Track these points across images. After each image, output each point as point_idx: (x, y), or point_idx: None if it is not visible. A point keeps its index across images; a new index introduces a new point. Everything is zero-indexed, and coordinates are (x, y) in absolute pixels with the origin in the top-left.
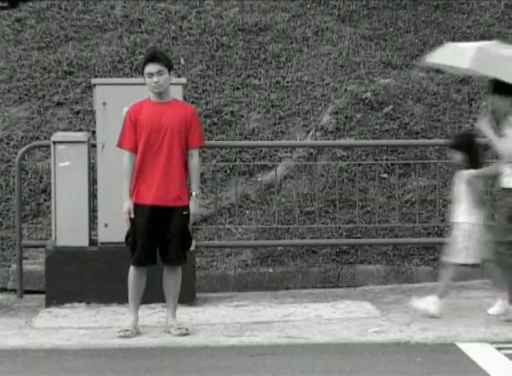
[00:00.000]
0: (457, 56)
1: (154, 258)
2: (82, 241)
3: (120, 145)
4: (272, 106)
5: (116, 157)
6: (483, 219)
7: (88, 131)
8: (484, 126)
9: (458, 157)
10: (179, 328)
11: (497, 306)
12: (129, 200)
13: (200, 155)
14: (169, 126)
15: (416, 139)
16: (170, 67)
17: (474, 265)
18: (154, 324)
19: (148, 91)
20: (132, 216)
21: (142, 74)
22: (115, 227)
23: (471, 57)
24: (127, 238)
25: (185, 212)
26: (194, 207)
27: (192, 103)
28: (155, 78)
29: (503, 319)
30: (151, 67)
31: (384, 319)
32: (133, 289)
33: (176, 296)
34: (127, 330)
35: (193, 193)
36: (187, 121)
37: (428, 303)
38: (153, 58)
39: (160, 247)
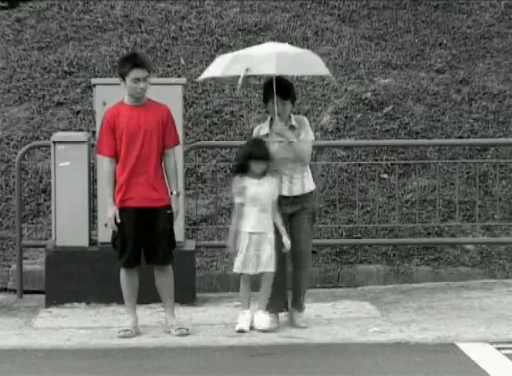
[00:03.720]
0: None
1: (140, 258)
2: (82, 241)
3: (99, 152)
4: None
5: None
6: None
7: (88, 131)
8: (283, 128)
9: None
10: (179, 328)
11: None
12: (113, 205)
13: (199, 155)
14: (147, 128)
15: (416, 139)
16: (152, 71)
17: None
18: (154, 324)
19: (124, 92)
20: (118, 221)
21: (122, 76)
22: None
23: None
24: (114, 241)
25: (168, 211)
26: (176, 205)
27: (193, 103)
28: (141, 84)
29: None
30: (139, 73)
31: (384, 319)
32: (127, 290)
33: (172, 295)
34: (127, 330)
35: (174, 192)
36: (163, 120)
37: None
38: (140, 63)
39: (147, 248)
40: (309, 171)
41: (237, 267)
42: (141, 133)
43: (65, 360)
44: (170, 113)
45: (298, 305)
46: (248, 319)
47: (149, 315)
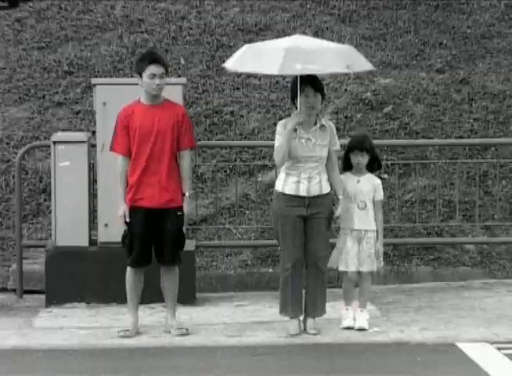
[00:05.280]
0: (264, 61)
1: (150, 258)
2: (82, 241)
3: (113, 149)
4: (272, 106)
5: (116, 157)
6: None
7: (88, 131)
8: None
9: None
10: (179, 328)
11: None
12: (124, 203)
13: (199, 155)
14: (161, 129)
15: (416, 139)
16: (168, 71)
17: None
18: (154, 324)
19: (141, 92)
20: (128, 220)
21: (139, 73)
22: (115, 227)
23: (280, 61)
24: (123, 240)
25: (179, 213)
26: (187, 207)
27: (193, 103)
28: (157, 80)
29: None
30: (155, 69)
31: (384, 319)
32: (131, 289)
33: (175, 296)
34: (127, 330)
35: (186, 194)
36: (178, 121)
37: None
38: (158, 60)
39: (156, 248)
40: (325, 172)
41: (336, 263)
42: (153, 133)
43: (65, 360)
44: (186, 114)
45: (313, 312)
46: (352, 317)
47: (149, 315)
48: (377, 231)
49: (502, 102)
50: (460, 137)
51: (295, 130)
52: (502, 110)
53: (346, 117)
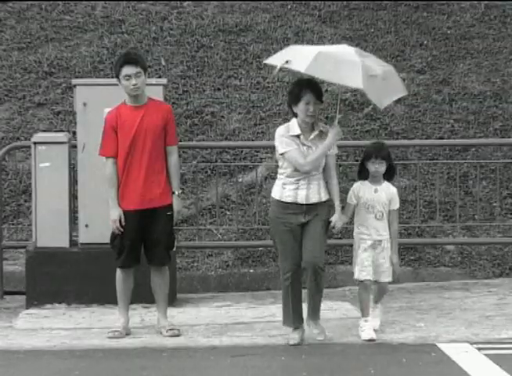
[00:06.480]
0: (297, 59)
1: (139, 258)
2: (63, 242)
3: (102, 154)
4: (253, 106)
5: (96, 157)
6: None
7: (69, 131)
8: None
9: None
10: (171, 329)
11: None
12: (117, 207)
13: (180, 156)
14: (148, 129)
15: (397, 139)
16: (146, 68)
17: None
18: (136, 325)
19: (125, 93)
20: (124, 223)
21: (117, 77)
22: (96, 228)
23: (309, 61)
24: (112, 241)
25: (169, 212)
26: (177, 205)
27: (173, 103)
28: (133, 81)
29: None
30: (129, 69)
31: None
32: (122, 290)
33: (166, 296)
34: (116, 331)
35: (176, 192)
36: (165, 119)
37: None
38: (130, 60)
39: (146, 249)
40: (323, 179)
41: (357, 274)
42: (142, 134)
43: (45, 361)
44: (172, 113)
45: (316, 316)
46: (371, 327)
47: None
48: (391, 240)
49: (483, 102)
50: (441, 138)
51: (298, 136)
52: (482, 110)
53: (326, 118)
